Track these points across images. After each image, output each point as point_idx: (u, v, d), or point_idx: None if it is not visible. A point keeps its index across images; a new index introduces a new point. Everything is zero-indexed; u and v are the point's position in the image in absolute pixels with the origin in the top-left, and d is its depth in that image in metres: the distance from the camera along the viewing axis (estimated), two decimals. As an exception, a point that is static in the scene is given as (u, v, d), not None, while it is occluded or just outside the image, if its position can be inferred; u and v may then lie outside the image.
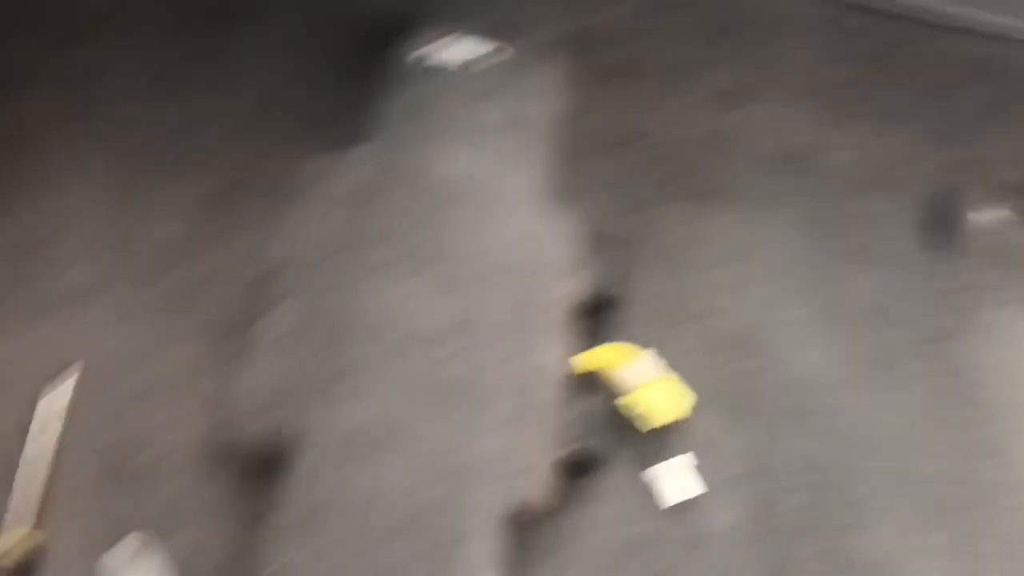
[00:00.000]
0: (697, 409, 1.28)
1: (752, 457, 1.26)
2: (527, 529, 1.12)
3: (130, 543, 1.11)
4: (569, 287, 1.22)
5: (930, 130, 1.55)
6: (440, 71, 1.30)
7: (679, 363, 1.30)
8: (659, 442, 1.26)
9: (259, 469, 1.13)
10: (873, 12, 1.52)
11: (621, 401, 1.24)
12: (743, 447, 1.28)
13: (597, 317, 1.29)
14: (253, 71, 1.46)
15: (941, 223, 1.49)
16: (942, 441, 1.29)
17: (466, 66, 1.36)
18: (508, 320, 1.09)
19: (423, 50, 1.39)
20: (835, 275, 1.44)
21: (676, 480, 1.22)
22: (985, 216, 1.48)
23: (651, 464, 1.23)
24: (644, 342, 1.28)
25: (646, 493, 1.23)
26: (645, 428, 1.24)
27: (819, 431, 1.29)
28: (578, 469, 1.18)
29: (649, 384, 1.23)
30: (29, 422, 1.18)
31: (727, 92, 1.51)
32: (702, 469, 1.24)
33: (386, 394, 1.00)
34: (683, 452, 1.24)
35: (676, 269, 1.40)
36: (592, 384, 1.24)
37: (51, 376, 1.23)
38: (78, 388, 1.22)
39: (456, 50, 1.39)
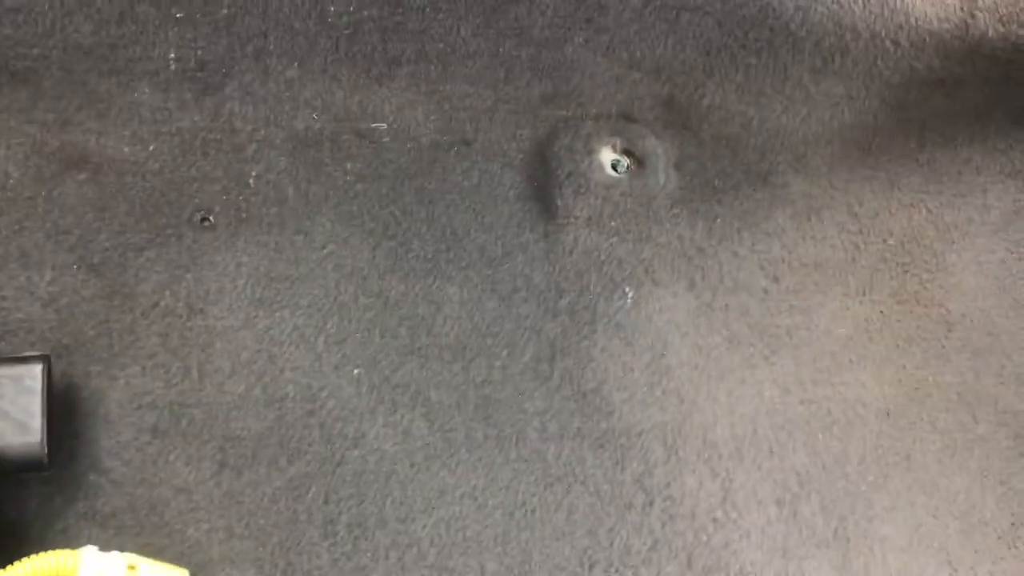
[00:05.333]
0: (219, 573, 0.92)
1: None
2: None
3: None
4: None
5: (500, 66, 1.15)
6: None
7: (180, 518, 0.93)
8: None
9: None
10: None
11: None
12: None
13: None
14: None
15: (541, 191, 1.11)
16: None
17: None
18: None
19: None
20: (410, 297, 1.04)
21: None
22: (593, 170, 1.13)
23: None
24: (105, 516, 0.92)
25: None
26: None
27: (399, 549, 0.96)
28: None
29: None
30: None
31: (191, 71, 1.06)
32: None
33: None
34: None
35: (168, 350, 0.99)
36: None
37: None
38: None
39: None
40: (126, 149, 1.04)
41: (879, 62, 1.26)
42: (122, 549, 0.88)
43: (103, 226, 1.01)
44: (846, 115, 1.23)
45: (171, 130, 1.06)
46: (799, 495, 1.06)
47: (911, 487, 1.08)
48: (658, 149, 1.18)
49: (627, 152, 1.18)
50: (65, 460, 0.92)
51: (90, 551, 0.82)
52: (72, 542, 0.90)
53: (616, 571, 0.99)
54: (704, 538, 1.02)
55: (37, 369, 0.88)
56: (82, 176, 1.02)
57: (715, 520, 1.03)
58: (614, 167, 1.18)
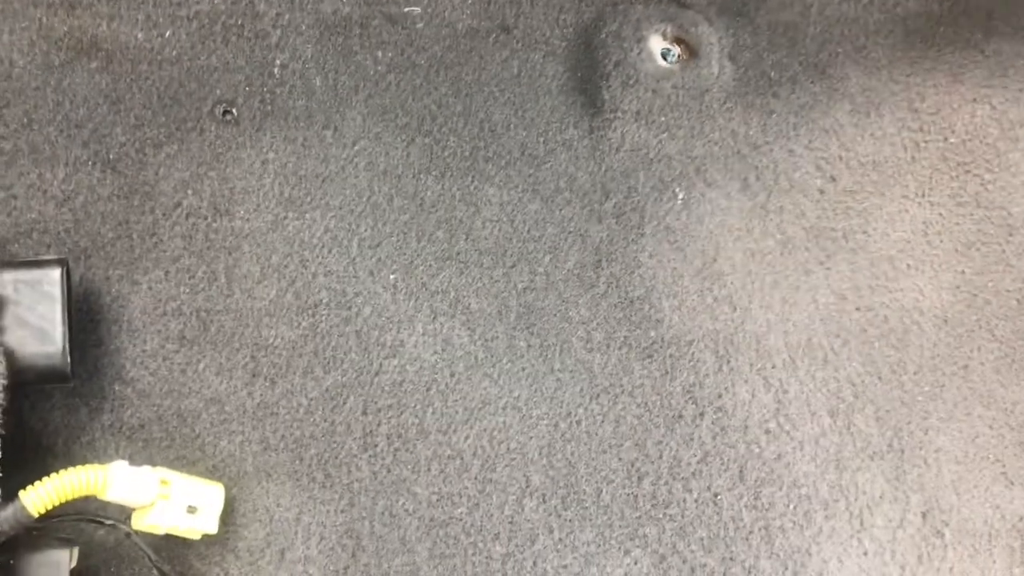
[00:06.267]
0: (255, 487, 0.87)
1: (352, 533, 0.88)
2: None
3: None
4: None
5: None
6: None
7: (211, 430, 0.88)
8: (222, 548, 0.85)
9: None
10: None
11: (138, 527, 0.80)
12: (336, 515, 0.88)
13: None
14: None
15: (586, 82, 1.04)
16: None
17: None
18: None
19: None
20: (447, 198, 0.98)
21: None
22: (642, 59, 1.06)
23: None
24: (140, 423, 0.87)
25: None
26: (198, 537, 0.83)
27: (441, 461, 0.91)
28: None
29: (155, 496, 0.79)
30: None
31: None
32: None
33: None
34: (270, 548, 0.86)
35: (193, 253, 0.92)
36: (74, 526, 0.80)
37: None
38: None
39: None
40: (140, 35, 0.96)
41: (950, -57, 1.17)
42: (152, 462, 0.83)
43: (118, 119, 0.94)
44: (910, 2, 1.15)
45: (188, 14, 0.97)
46: (854, 405, 1.01)
47: (968, 397, 1.04)
48: (711, 37, 1.10)
49: (678, 40, 1.10)
50: (88, 370, 0.87)
51: (120, 465, 0.78)
52: (99, 456, 0.85)
53: (665, 484, 0.96)
54: (756, 450, 0.98)
55: (56, 273, 0.82)
56: (93, 64, 0.94)
57: (768, 432, 0.99)
58: (664, 56, 1.10)
